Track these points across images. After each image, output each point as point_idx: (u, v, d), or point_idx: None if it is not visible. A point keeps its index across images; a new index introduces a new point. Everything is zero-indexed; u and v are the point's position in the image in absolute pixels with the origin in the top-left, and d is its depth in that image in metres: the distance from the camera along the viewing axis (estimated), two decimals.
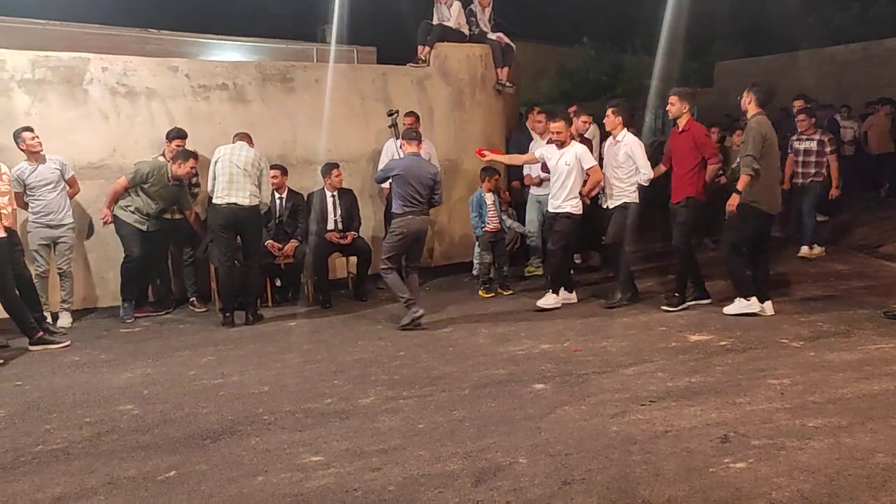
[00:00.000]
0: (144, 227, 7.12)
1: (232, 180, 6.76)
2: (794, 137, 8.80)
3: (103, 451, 4.08)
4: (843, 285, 7.57)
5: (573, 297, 7.31)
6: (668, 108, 6.86)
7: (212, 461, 3.89)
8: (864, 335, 5.74)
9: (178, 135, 7.37)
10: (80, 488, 3.63)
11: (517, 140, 9.01)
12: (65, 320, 7.03)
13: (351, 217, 7.93)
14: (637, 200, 7.00)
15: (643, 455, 3.71)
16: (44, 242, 6.89)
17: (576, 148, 6.96)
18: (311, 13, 16.12)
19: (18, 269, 6.32)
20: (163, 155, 7.42)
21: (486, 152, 7.56)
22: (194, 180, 7.66)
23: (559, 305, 7.06)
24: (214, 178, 6.82)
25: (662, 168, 7.08)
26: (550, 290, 7.09)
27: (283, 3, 17.04)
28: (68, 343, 6.36)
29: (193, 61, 8.94)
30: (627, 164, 6.88)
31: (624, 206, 6.93)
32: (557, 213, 7.01)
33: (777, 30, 17.98)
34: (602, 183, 7.06)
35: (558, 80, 22.76)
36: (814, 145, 8.75)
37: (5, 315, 6.25)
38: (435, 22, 9.27)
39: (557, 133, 6.91)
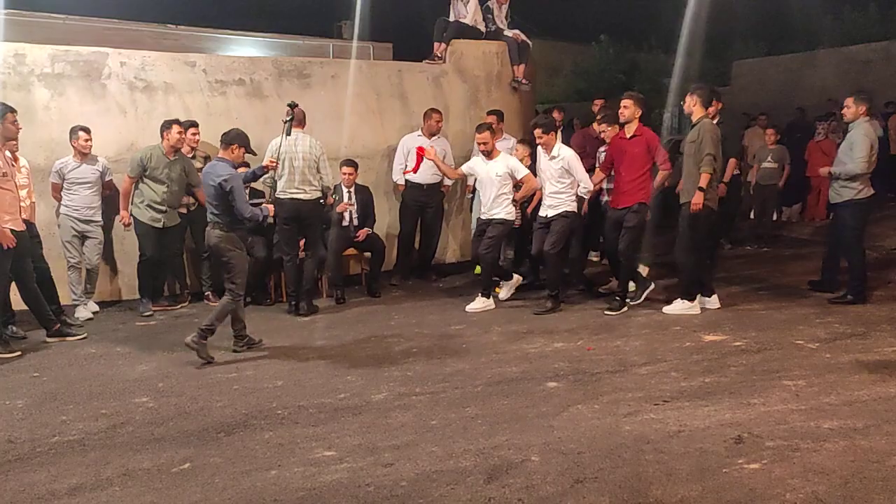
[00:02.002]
0: (160, 224, 7.14)
1: (292, 175, 6.94)
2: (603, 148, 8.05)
3: (118, 443, 4.12)
4: None
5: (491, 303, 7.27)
6: (621, 111, 6.86)
7: (226, 454, 3.91)
8: (881, 337, 5.69)
9: (192, 124, 7.42)
10: (95, 479, 3.66)
11: None
12: (82, 312, 7.11)
13: (366, 214, 7.95)
14: (575, 209, 7.02)
15: (656, 455, 3.70)
16: (75, 234, 7.02)
17: (507, 160, 7.07)
18: (328, 9, 16.17)
19: (37, 262, 6.39)
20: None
21: (428, 152, 7.44)
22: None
23: (491, 307, 7.13)
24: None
25: (601, 174, 7.13)
26: (480, 294, 7.17)
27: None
28: (85, 335, 6.42)
29: (211, 56, 8.97)
30: (565, 178, 6.89)
31: (564, 216, 6.93)
32: (491, 220, 7.09)
33: (797, 29, 17.82)
34: (535, 190, 7.19)
35: (573, 79, 22.69)
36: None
37: (24, 307, 6.31)
38: (451, 19, 9.26)
39: (484, 144, 7.01)
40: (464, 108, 9.21)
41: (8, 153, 6.03)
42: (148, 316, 7.17)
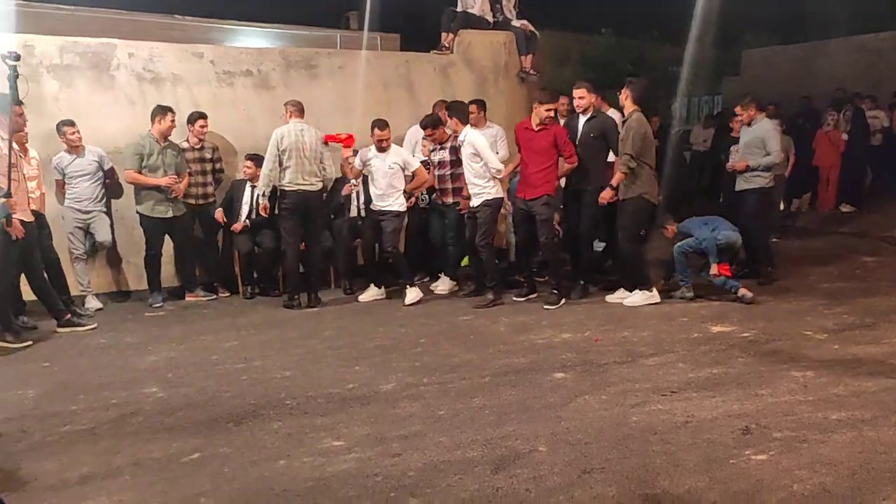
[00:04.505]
0: (170, 213, 7.17)
1: (300, 166, 6.98)
2: (431, 149, 7.68)
3: (129, 432, 4.15)
4: (869, 277, 7.48)
5: (382, 293, 7.43)
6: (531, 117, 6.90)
7: (235, 444, 3.94)
8: (890, 328, 5.66)
9: (200, 116, 7.43)
10: (106, 468, 3.69)
11: None
12: (92, 302, 7.15)
13: None
14: (499, 195, 7.05)
15: (663, 445, 3.70)
16: (78, 225, 7.05)
17: (401, 153, 7.27)
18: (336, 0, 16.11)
19: (46, 253, 6.43)
20: (186, 140, 7.47)
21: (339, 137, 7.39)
22: (219, 165, 7.71)
23: (422, 296, 7.19)
24: (278, 164, 6.96)
25: (519, 158, 7.13)
26: (409, 286, 7.21)
27: None
28: (95, 326, 6.46)
29: (218, 47, 8.95)
30: (477, 161, 6.93)
31: (487, 205, 6.96)
32: (385, 211, 7.17)
33: (808, 18, 17.64)
34: (426, 183, 7.48)
35: (581, 69, 22.57)
36: (447, 155, 7.47)
37: (34, 297, 6.35)
38: (459, 9, 9.24)
39: (386, 140, 7.11)
40: (471, 98, 9.16)
41: (15, 145, 6.04)
42: (157, 307, 7.20)
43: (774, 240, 9.54)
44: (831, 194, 11.31)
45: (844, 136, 11.08)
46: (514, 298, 7.10)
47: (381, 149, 7.16)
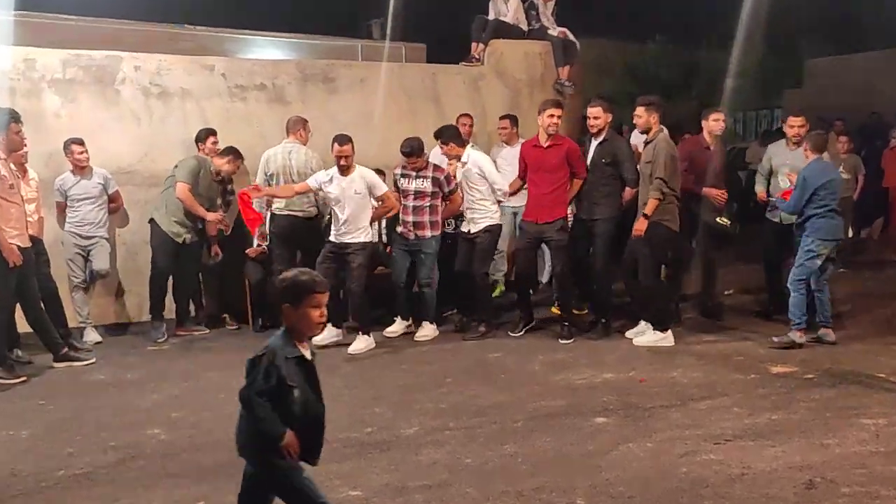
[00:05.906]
0: (181, 240, 7.27)
1: None
2: (402, 174, 7.23)
3: (129, 478, 4.18)
4: None
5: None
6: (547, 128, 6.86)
7: None
8: None
9: (209, 133, 7.58)
10: None
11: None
12: (90, 335, 7.25)
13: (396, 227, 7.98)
14: (500, 222, 7.19)
15: (716, 500, 3.66)
16: (78, 251, 7.18)
17: (364, 174, 6.81)
18: (357, 8, 16.36)
19: (43, 282, 6.51)
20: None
21: (254, 193, 7.08)
22: (230, 188, 7.84)
23: (373, 346, 6.80)
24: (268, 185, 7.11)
25: (519, 182, 7.23)
26: (360, 333, 6.80)
27: None
28: (93, 360, 6.54)
29: (230, 60, 9.15)
30: (482, 183, 7.04)
31: (488, 230, 7.06)
32: (351, 244, 6.73)
33: (870, 25, 17.55)
34: (394, 210, 7.16)
35: (624, 81, 22.58)
36: (427, 185, 7.07)
37: (29, 329, 6.45)
38: (490, 17, 9.32)
39: (345, 158, 6.63)
40: (503, 113, 9.23)
41: (13, 165, 6.16)
42: (161, 341, 7.25)
43: (841, 270, 9.44)
44: None
45: None
46: (510, 333, 7.10)
47: (342, 169, 6.67)
